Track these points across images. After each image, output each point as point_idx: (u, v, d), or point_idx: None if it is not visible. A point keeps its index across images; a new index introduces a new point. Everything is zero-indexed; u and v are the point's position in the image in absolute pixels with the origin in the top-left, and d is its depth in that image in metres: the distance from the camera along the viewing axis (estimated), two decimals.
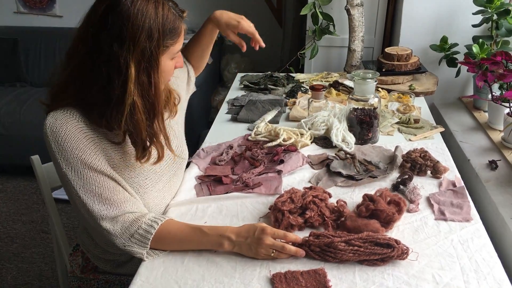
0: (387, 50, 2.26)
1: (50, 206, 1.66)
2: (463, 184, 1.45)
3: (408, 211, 1.34)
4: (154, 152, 1.25)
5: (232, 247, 1.17)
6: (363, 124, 1.67)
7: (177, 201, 1.43)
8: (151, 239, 1.18)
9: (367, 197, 1.34)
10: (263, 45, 1.48)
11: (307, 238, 1.19)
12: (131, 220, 1.20)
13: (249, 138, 1.75)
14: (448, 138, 1.94)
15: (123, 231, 1.19)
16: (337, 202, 1.33)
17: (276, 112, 1.97)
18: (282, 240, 1.17)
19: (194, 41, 1.65)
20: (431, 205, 1.37)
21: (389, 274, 1.12)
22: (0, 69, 3.61)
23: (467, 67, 1.85)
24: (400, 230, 1.27)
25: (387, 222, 1.26)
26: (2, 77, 3.63)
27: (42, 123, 1.20)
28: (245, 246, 1.16)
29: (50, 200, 1.65)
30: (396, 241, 1.16)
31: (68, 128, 1.16)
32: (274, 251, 1.15)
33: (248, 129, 1.87)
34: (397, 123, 1.84)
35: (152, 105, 1.17)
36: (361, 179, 1.49)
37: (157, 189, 1.35)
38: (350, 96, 1.69)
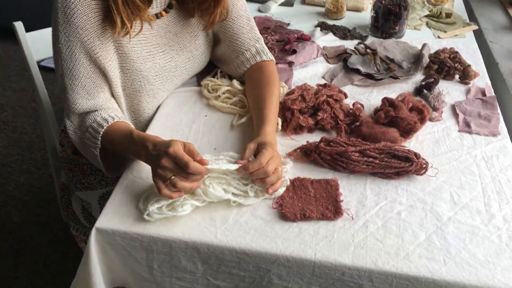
0: None
1: (36, 78, 1.51)
2: (493, 94, 1.31)
3: (430, 119, 1.21)
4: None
5: (145, 158, 0.99)
6: (390, 15, 1.47)
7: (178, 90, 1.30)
8: (101, 133, 1.06)
9: (387, 101, 1.20)
10: (269, 192, 0.99)
11: (317, 144, 1.07)
12: (93, 114, 1.10)
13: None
14: (477, 36, 1.75)
15: (81, 123, 1.11)
16: (353, 104, 1.19)
17: None
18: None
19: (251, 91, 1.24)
20: (456, 115, 1.24)
21: (403, 190, 1.02)
22: None
23: None
24: (420, 141, 1.15)
25: (407, 132, 1.14)
26: None
27: None
28: (151, 160, 0.97)
29: (35, 71, 1.50)
30: (415, 154, 1.04)
31: (81, 3, 1.03)
32: (172, 177, 0.92)
33: (259, 10, 1.67)
34: (426, 16, 1.63)
35: None
36: (381, 79, 1.34)
37: (165, 89, 1.25)
38: None
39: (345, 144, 1.06)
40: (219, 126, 1.19)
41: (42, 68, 1.42)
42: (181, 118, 1.21)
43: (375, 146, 1.05)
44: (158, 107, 1.25)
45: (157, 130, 1.18)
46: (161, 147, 0.95)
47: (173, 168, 0.92)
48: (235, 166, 0.96)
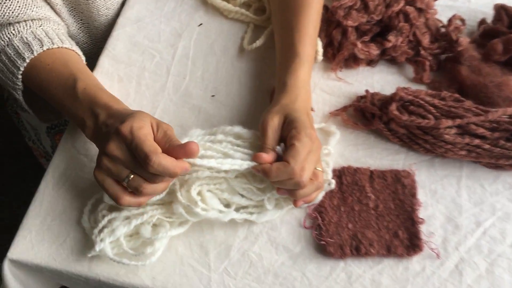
0: None
1: None
2: None
3: None
4: None
5: (91, 134, 0.58)
6: None
7: None
8: (22, 69, 0.63)
9: (505, 14, 0.71)
10: (298, 205, 0.56)
11: (386, 102, 0.63)
12: (7, 31, 0.65)
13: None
14: None
15: None
16: (449, 20, 0.70)
17: None
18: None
19: None
20: None
21: None
22: None
23: None
24: None
25: None
26: None
27: None
28: (98, 139, 0.57)
29: None
30: None
31: None
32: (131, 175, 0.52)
33: None
34: None
35: None
36: None
37: None
38: None
39: (434, 108, 0.61)
40: (221, 48, 0.72)
41: None
42: (159, 29, 0.74)
43: (486, 118, 0.60)
44: (122, 4, 0.77)
45: (119, 52, 0.72)
46: (115, 123, 0.52)
47: (125, 160, 0.50)
48: (246, 164, 0.54)
